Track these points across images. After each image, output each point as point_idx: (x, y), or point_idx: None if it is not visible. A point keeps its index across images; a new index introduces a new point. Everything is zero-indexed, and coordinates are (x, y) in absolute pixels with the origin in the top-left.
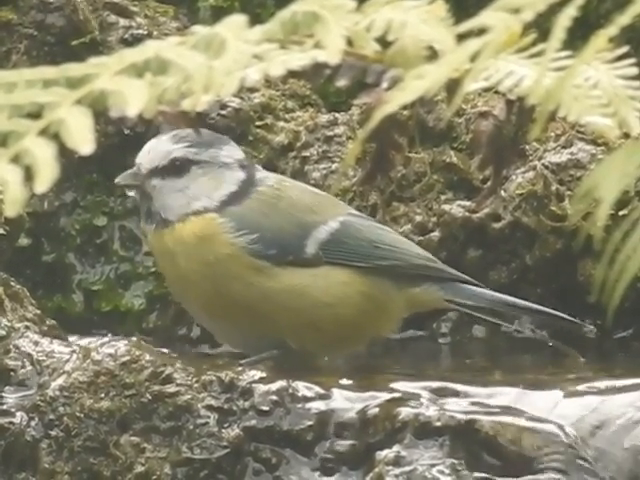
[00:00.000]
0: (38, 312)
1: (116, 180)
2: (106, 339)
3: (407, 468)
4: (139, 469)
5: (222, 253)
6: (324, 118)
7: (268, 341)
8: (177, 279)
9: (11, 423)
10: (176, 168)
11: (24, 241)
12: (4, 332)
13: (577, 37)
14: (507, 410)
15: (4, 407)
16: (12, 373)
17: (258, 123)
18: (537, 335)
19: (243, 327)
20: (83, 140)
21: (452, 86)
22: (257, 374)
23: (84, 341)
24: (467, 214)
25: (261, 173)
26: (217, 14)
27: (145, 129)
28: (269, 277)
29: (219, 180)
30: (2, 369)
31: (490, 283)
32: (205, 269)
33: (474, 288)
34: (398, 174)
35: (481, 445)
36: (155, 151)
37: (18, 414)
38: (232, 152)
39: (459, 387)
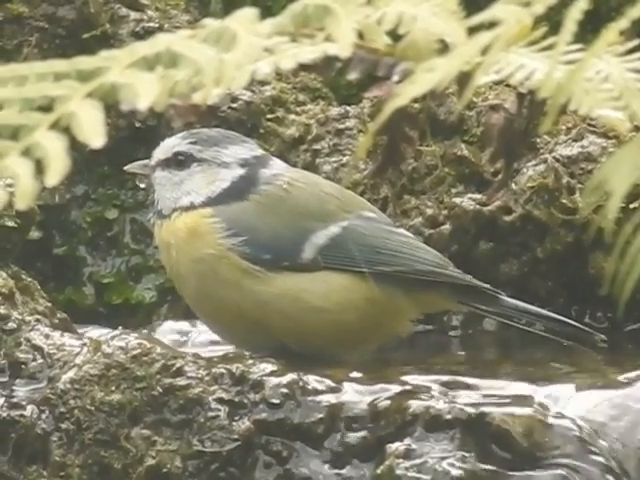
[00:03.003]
0: (49, 305)
1: (126, 167)
2: (117, 332)
3: (418, 461)
4: (150, 462)
5: (207, 252)
6: (335, 111)
7: (266, 344)
8: (172, 272)
9: (22, 416)
10: (178, 162)
11: (35, 234)
12: (15, 325)
13: (588, 30)
14: (518, 403)
15: (15, 400)
16: (23, 366)
17: (269, 116)
18: (548, 333)
19: (236, 330)
20: (94, 133)
21: (463, 79)
22: (268, 367)
23: (95, 333)
24: (478, 207)
25: (272, 170)
26: (228, 7)
27: (156, 122)
28: (261, 281)
29: (213, 178)
30: (13, 362)
31: (501, 276)
32: (192, 266)
33: (486, 293)
34: (409, 167)
35: (492, 438)
36: (165, 145)
37: (29, 407)
38: (236, 151)
39: (470, 380)
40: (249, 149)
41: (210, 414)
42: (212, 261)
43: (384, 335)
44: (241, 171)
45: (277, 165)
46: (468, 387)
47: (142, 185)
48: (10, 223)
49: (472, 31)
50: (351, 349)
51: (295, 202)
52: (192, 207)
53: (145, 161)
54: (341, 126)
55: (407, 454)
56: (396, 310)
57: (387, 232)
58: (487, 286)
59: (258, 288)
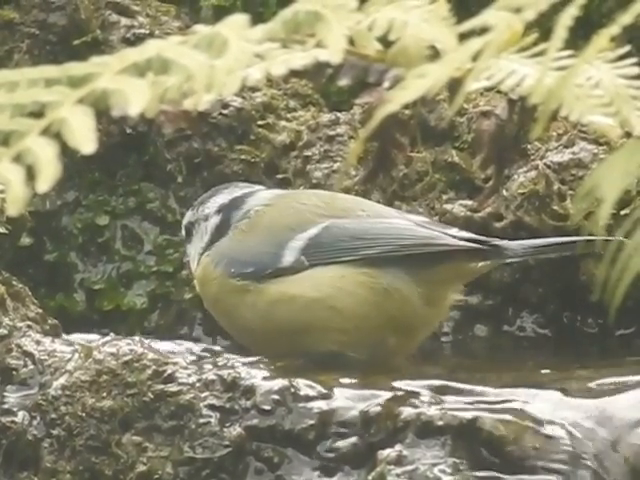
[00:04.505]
0: (40, 311)
1: None
2: (108, 338)
3: (409, 467)
4: (141, 468)
5: (213, 290)
6: (326, 117)
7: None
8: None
9: (13, 422)
10: (188, 233)
11: (26, 240)
12: (6, 331)
13: (579, 36)
14: (509, 409)
15: (6, 406)
16: (14, 372)
17: (260, 122)
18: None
19: (265, 348)
20: (85, 139)
21: (454, 85)
22: (259, 373)
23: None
24: (469, 213)
25: (247, 206)
26: (219, 13)
27: (147, 128)
28: (254, 293)
29: (202, 233)
30: (4, 368)
31: (493, 282)
32: (214, 306)
33: (489, 246)
34: (400, 173)
35: (483, 444)
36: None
37: (20, 413)
38: (216, 201)
39: (461, 386)
40: (229, 194)
41: (201, 420)
42: (218, 295)
43: (401, 328)
44: (217, 218)
45: (256, 199)
46: (459, 393)
47: None
48: (1, 229)
49: (463, 37)
50: (364, 346)
51: (265, 222)
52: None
53: None
54: (332, 132)
55: (398, 460)
56: (402, 296)
57: (372, 222)
58: (482, 239)
59: (255, 300)
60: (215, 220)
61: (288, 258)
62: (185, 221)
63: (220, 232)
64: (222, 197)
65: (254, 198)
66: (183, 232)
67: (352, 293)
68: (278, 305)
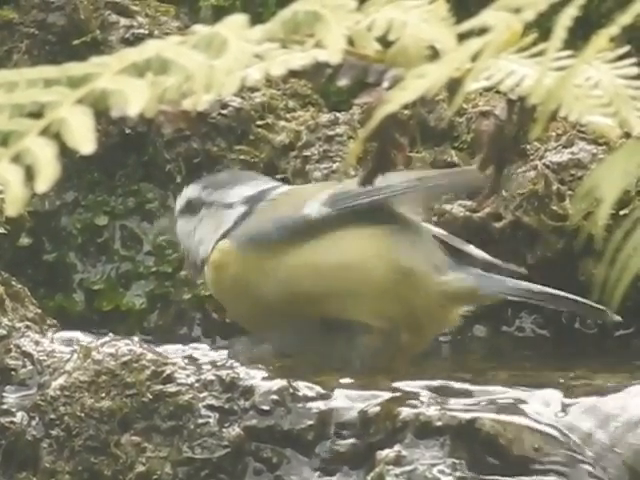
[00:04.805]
0: (39, 312)
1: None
2: (107, 338)
3: (408, 468)
4: (140, 469)
5: (232, 269)
6: (325, 117)
7: (308, 329)
8: (230, 313)
9: (12, 423)
10: (190, 208)
11: (25, 240)
12: (5, 331)
13: (578, 37)
14: (508, 410)
15: (5, 407)
16: (13, 373)
17: (259, 122)
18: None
19: (288, 323)
20: (84, 139)
21: (453, 85)
22: (258, 373)
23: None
24: (468, 213)
25: (271, 195)
26: (218, 13)
27: (146, 128)
28: (277, 262)
29: (219, 221)
30: (3, 369)
31: None
32: (232, 288)
33: (507, 280)
34: None
35: (482, 445)
36: (182, 194)
37: (19, 414)
38: (242, 191)
39: (460, 386)
40: (255, 186)
41: (200, 421)
42: (238, 271)
43: (414, 322)
44: (243, 208)
45: (280, 189)
46: (458, 393)
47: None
48: (0, 230)
49: (462, 37)
50: (383, 318)
51: (285, 200)
52: (208, 254)
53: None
54: (331, 132)
55: (397, 461)
56: (421, 282)
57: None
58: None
59: (276, 269)
60: (240, 210)
61: (312, 212)
62: (191, 194)
63: (238, 224)
64: (247, 188)
65: (274, 193)
66: (182, 204)
67: (380, 264)
68: (300, 272)
